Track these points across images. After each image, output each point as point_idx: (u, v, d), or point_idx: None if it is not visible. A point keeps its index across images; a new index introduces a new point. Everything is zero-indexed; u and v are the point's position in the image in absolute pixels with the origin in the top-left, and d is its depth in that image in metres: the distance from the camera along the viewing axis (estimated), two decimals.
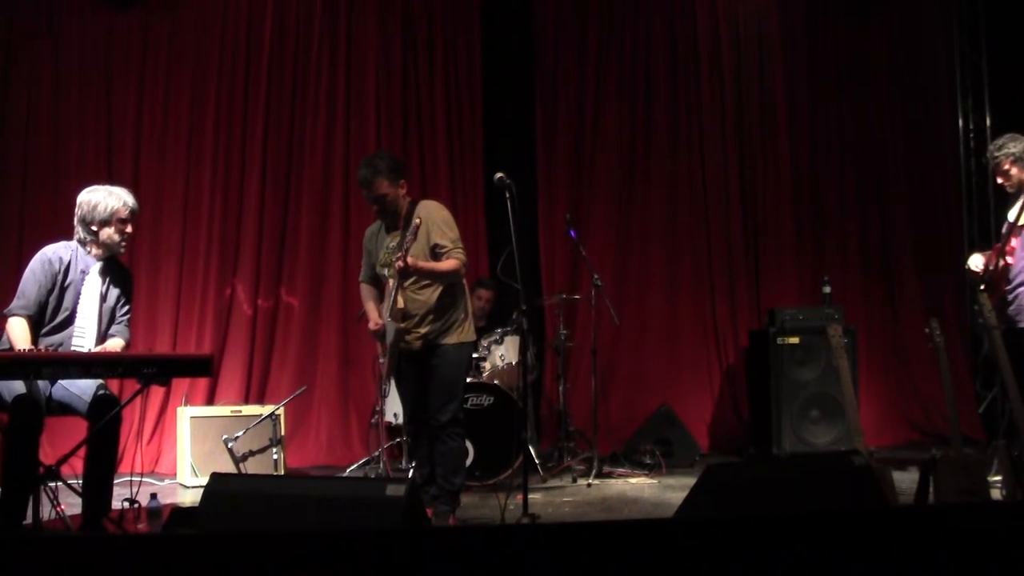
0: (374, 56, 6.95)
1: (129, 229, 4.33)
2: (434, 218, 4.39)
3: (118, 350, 4.24)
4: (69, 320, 4.19)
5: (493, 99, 7.22)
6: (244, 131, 6.74)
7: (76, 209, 4.26)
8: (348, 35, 6.94)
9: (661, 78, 7.46)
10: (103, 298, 4.28)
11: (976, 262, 5.11)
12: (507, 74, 7.25)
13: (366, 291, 4.67)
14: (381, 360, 4.61)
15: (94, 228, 4.22)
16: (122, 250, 4.35)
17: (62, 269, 4.18)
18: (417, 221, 4.25)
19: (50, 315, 4.16)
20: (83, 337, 4.21)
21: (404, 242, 4.23)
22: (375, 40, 6.97)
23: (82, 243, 4.26)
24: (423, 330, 4.38)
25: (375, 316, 4.53)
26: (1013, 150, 4.97)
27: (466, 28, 7.16)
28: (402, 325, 4.35)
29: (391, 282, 4.38)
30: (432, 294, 4.38)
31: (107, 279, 4.31)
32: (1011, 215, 4.97)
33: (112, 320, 4.31)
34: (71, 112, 6.47)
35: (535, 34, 7.33)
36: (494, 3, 7.23)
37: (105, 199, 4.26)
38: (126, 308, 4.40)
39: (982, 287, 5.06)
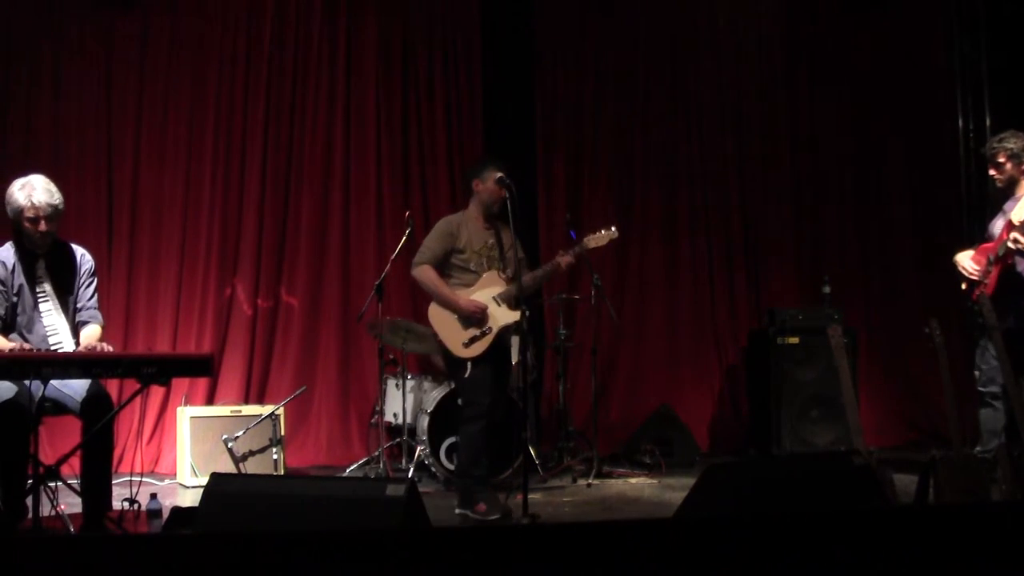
0: (374, 56, 6.95)
1: (43, 227, 3.93)
2: None
3: (97, 335, 4.15)
4: (33, 321, 4.08)
5: (493, 99, 7.21)
6: (244, 131, 6.73)
7: None
8: (348, 36, 6.94)
9: (661, 78, 7.47)
10: (59, 289, 4.14)
11: (969, 263, 5.12)
12: (507, 74, 7.25)
13: (432, 273, 4.83)
14: (468, 349, 4.73)
15: (18, 223, 3.98)
16: (39, 251, 4.06)
17: (8, 272, 4.02)
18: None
19: (12, 318, 4.05)
20: (57, 334, 4.12)
21: (575, 247, 4.85)
22: (375, 40, 6.96)
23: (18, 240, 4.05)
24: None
25: (472, 298, 4.75)
26: (1011, 146, 5.07)
27: (466, 29, 7.16)
28: (516, 311, 4.66)
29: (494, 272, 4.84)
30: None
31: (56, 270, 4.13)
32: (1015, 216, 4.96)
33: (79, 307, 4.20)
34: (71, 112, 6.47)
35: (535, 34, 7.32)
36: (494, 4, 7.22)
37: (15, 193, 3.94)
38: (90, 290, 4.23)
39: (964, 286, 5.11)
